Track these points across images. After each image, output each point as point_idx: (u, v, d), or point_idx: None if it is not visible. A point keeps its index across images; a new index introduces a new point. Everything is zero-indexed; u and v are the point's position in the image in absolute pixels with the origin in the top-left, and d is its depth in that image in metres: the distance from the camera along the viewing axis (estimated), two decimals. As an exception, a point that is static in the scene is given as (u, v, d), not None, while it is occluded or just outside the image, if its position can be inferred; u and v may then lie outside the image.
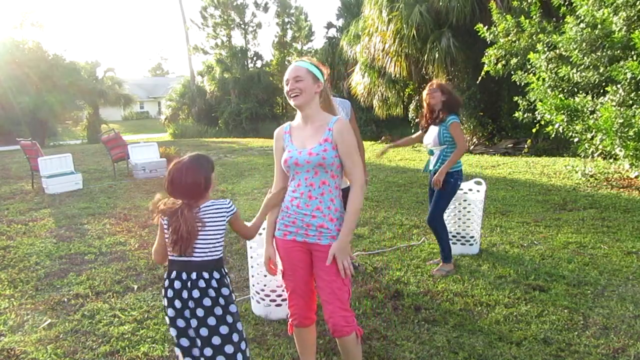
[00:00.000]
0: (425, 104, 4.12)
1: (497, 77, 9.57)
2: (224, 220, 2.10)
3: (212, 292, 2.02)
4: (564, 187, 7.31)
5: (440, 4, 11.88)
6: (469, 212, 4.50)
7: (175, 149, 12.83)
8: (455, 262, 4.24)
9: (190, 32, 35.87)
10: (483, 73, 9.58)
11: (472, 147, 13.00)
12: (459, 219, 4.52)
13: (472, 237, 4.51)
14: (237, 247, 4.87)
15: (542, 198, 6.65)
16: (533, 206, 6.23)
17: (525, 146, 9.70)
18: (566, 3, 7.59)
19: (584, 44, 7.09)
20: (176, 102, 30.59)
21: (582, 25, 7.13)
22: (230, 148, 15.00)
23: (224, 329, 2.03)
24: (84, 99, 26.17)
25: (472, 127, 12.98)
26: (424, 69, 12.98)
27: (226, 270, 2.14)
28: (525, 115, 8.15)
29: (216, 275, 2.06)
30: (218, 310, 2.02)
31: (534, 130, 8.32)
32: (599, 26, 6.92)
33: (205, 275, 2.04)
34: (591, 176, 7.70)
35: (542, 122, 7.61)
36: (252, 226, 2.34)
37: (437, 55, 12.11)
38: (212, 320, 2.01)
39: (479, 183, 4.73)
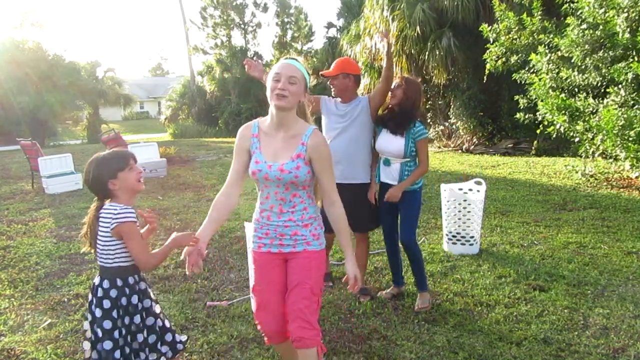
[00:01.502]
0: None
1: (497, 74, 9.54)
2: (108, 228, 1.98)
3: (95, 300, 2.02)
4: (564, 187, 7.31)
5: (445, 3, 11.88)
6: (469, 212, 4.50)
7: (175, 149, 12.83)
8: (455, 263, 4.24)
9: (190, 32, 35.83)
10: (486, 71, 9.55)
11: (472, 147, 12.99)
12: (459, 219, 4.52)
13: (472, 237, 4.51)
14: (236, 247, 4.87)
15: (542, 198, 6.65)
16: (533, 206, 6.23)
17: (533, 147, 9.63)
18: (568, 1, 7.58)
19: (586, 45, 7.10)
20: (176, 102, 30.57)
21: (583, 26, 7.13)
22: (230, 148, 14.93)
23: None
24: (84, 99, 26.18)
25: (472, 127, 12.96)
26: (424, 69, 12.96)
27: (126, 283, 2.04)
28: (526, 116, 8.15)
29: (105, 284, 2.02)
30: (97, 312, 2.01)
31: (538, 131, 8.32)
32: (601, 27, 6.92)
33: (97, 281, 2.05)
34: (591, 176, 7.70)
35: (545, 122, 7.59)
36: (155, 253, 2.05)
37: (437, 55, 12.10)
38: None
39: (479, 183, 4.72)
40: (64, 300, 3.71)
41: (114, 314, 2.00)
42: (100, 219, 2.01)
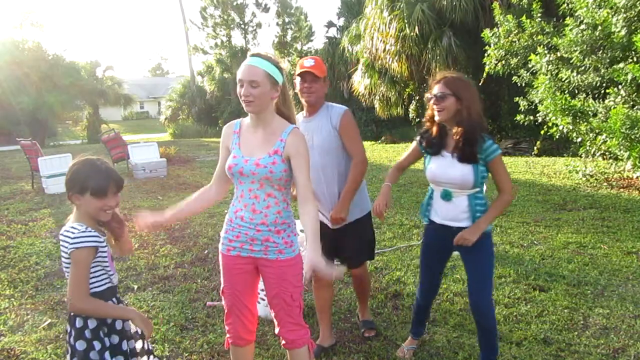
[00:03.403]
0: (429, 116, 2.49)
1: (497, 76, 9.55)
2: (67, 255, 1.72)
3: (74, 332, 1.78)
4: (564, 187, 7.31)
5: (444, 3, 11.88)
6: (469, 212, 4.47)
7: (175, 149, 12.84)
8: (455, 263, 4.24)
9: (190, 32, 35.87)
10: (485, 74, 9.55)
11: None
12: (459, 219, 4.49)
13: (472, 237, 4.48)
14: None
15: (542, 198, 6.65)
16: (533, 206, 6.22)
17: (535, 147, 9.73)
18: (567, 1, 7.58)
19: (585, 46, 7.09)
20: (176, 102, 30.59)
21: (582, 26, 7.13)
22: (230, 148, 14.96)
23: None
24: (84, 99, 26.19)
25: (472, 127, 12.97)
26: (425, 69, 12.97)
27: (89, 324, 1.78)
28: (526, 118, 8.15)
29: (78, 323, 1.77)
30: None
31: (542, 132, 8.32)
32: (599, 27, 6.91)
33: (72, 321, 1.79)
34: (591, 176, 7.70)
35: (550, 124, 7.58)
36: (96, 301, 1.77)
37: (438, 54, 12.10)
38: None
39: (479, 183, 4.71)
40: (64, 300, 3.70)
41: (96, 344, 1.79)
42: (61, 241, 1.77)
